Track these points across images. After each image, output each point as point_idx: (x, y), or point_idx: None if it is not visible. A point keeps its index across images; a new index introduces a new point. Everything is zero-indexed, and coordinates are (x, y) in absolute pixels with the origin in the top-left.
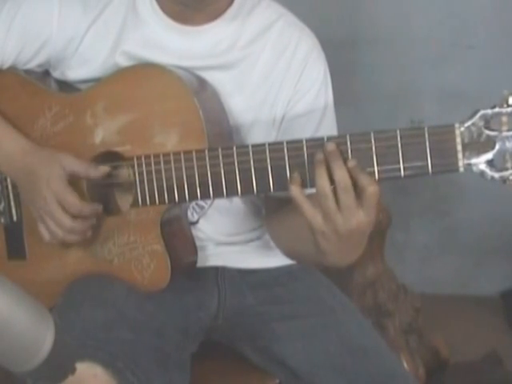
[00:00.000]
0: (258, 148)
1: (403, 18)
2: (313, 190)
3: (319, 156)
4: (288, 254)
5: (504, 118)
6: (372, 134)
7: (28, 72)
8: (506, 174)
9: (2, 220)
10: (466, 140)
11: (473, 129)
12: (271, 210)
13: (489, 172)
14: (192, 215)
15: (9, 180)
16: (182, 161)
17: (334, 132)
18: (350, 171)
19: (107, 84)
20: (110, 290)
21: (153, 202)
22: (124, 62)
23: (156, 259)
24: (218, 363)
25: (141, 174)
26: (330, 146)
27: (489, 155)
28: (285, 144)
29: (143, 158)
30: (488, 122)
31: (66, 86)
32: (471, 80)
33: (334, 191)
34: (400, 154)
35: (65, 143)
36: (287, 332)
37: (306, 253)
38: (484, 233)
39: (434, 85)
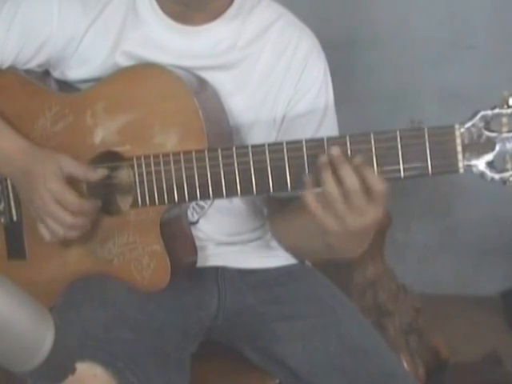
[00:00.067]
0: (258, 149)
1: (403, 18)
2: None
3: (323, 159)
4: (292, 251)
5: (504, 119)
6: (372, 135)
7: (28, 72)
8: (506, 175)
9: (2, 220)
10: (466, 141)
11: (473, 130)
12: (274, 208)
13: (489, 173)
14: (192, 215)
15: (9, 180)
16: (182, 161)
17: (335, 131)
18: (356, 170)
19: (107, 84)
20: (110, 290)
21: (152, 202)
22: (124, 61)
23: (156, 259)
24: (218, 363)
25: (140, 174)
26: (335, 151)
27: (489, 156)
28: (284, 145)
29: (143, 159)
30: (488, 123)
31: (65, 85)
32: (471, 80)
33: (343, 193)
34: (400, 154)
35: (65, 143)
36: (287, 332)
37: (312, 249)
38: (484, 233)
39: (433, 85)
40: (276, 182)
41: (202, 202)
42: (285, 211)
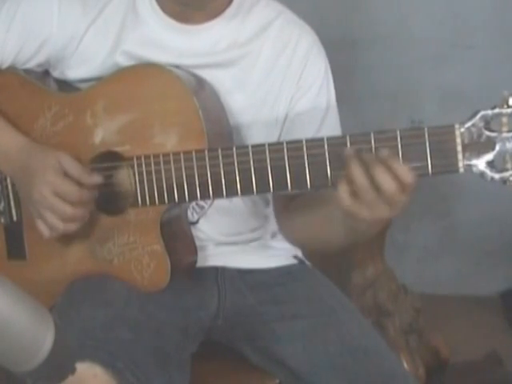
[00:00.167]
0: (258, 148)
1: (403, 18)
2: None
3: (349, 152)
4: (306, 244)
5: (504, 119)
6: (372, 135)
7: (28, 71)
8: (506, 174)
9: (2, 220)
10: (466, 141)
11: (473, 129)
12: (282, 204)
13: (489, 173)
14: (192, 215)
15: (9, 180)
16: (182, 161)
17: (337, 129)
18: (385, 164)
19: (107, 84)
20: (109, 290)
21: (152, 202)
22: (124, 61)
23: (156, 259)
24: (218, 363)
25: (140, 174)
26: (383, 153)
27: (489, 156)
28: (285, 144)
29: (143, 158)
30: (488, 122)
31: (65, 85)
32: (471, 80)
33: (371, 182)
34: (400, 154)
35: (64, 143)
36: (287, 332)
37: (330, 238)
38: (484, 233)
39: (433, 85)
40: (276, 181)
41: (201, 202)
42: (299, 205)
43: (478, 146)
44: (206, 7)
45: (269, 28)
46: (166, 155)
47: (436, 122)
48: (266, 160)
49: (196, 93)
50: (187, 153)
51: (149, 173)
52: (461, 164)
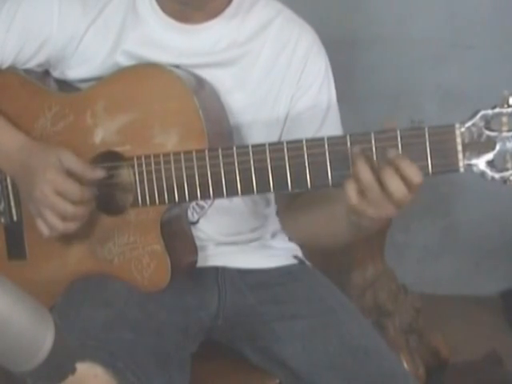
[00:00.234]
0: (258, 148)
1: (403, 18)
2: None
3: (356, 150)
4: (309, 241)
5: (504, 119)
6: (372, 134)
7: (28, 72)
8: (506, 174)
9: (2, 220)
10: (467, 140)
11: (473, 129)
12: (286, 202)
13: (489, 172)
14: (192, 215)
15: (9, 180)
16: (182, 161)
17: (338, 128)
18: (393, 163)
19: (107, 84)
20: (110, 290)
21: (153, 202)
22: (124, 61)
23: (156, 259)
24: (218, 363)
25: (141, 173)
26: (392, 153)
27: (489, 156)
28: (285, 144)
29: (143, 158)
30: (488, 122)
31: (65, 85)
32: (471, 80)
33: (378, 181)
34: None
35: (65, 143)
36: (287, 332)
37: (334, 234)
38: (484, 233)
39: (433, 85)
40: (276, 181)
41: (202, 202)
42: (303, 203)
43: (478, 146)
44: (206, 7)
45: (269, 27)
46: (166, 155)
47: (436, 122)
48: (266, 160)
49: (196, 93)
50: (187, 153)
51: (149, 173)
52: (461, 164)
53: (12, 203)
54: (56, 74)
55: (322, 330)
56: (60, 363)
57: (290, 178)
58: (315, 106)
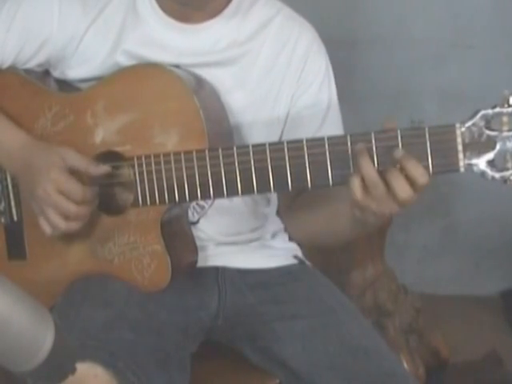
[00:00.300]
0: (259, 148)
1: (403, 18)
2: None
3: (360, 146)
4: (313, 239)
5: (505, 118)
6: (373, 134)
7: (28, 72)
8: (506, 174)
9: (3, 220)
10: (467, 140)
11: (473, 129)
12: (289, 200)
13: (489, 172)
14: (192, 215)
15: (9, 179)
16: (183, 161)
17: (339, 127)
18: (399, 164)
19: (107, 84)
20: (110, 290)
21: (153, 201)
22: (125, 61)
23: (156, 259)
24: (218, 363)
25: (141, 173)
26: (398, 154)
27: (489, 155)
28: (285, 144)
29: (143, 158)
30: (489, 122)
31: (65, 85)
32: (471, 80)
33: (382, 177)
34: None
35: (65, 143)
36: (287, 332)
37: (338, 233)
38: (484, 233)
39: (433, 85)
40: (277, 181)
41: (202, 202)
42: (306, 201)
43: (478, 146)
44: (206, 7)
45: (268, 26)
46: (166, 155)
47: (436, 122)
48: (266, 160)
49: (197, 92)
50: (188, 153)
51: (149, 173)
52: (461, 163)
53: (12, 203)
54: (56, 73)
55: (322, 330)
56: (60, 363)
57: (290, 177)
58: (316, 104)
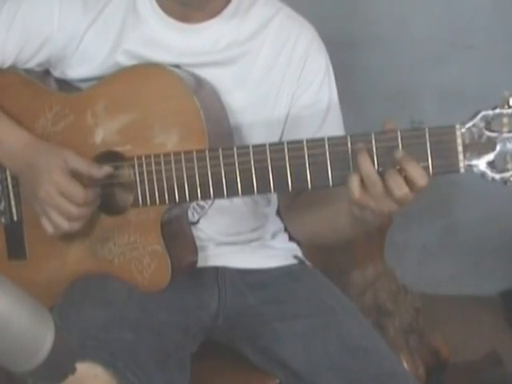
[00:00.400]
0: (259, 148)
1: (403, 18)
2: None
3: (360, 144)
4: (314, 238)
5: (505, 119)
6: (373, 135)
7: (28, 71)
8: (506, 175)
9: (3, 220)
10: (467, 141)
11: (474, 130)
12: (289, 200)
13: (489, 173)
14: (192, 215)
15: (9, 179)
16: (183, 161)
17: (340, 127)
18: (399, 164)
19: (108, 84)
20: (110, 290)
21: (153, 202)
22: (125, 60)
23: (156, 259)
24: (218, 363)
25: (141, 173)
26: (398, 154)
27: (490, 156)
28: (285, 144)
29: (144, 158)
30: (489, 123)
31: (66, 85)
32: (471, 80)
33: (381, 176)
34: None
35: (65, 143)
36: (287, 332)
37: (338, 231)
38: (484, 233)
39: (433, 85)
40: (277, 181)
41: (202, 202)
42: (307, 200)
43: (478, 147)
44: (206, 7)
45: (268, 25)
46: (166, 155)
47: (436, 122)
48: (266, 160)
49: (197, 93)
50: (188, 153)
51: (149, 173)
52: (461, 164)
53: (12, 203)
54: (56, 73)
55: (322, 330)
56: (60, 363)
57: (290, 178)
58: (316, 103)
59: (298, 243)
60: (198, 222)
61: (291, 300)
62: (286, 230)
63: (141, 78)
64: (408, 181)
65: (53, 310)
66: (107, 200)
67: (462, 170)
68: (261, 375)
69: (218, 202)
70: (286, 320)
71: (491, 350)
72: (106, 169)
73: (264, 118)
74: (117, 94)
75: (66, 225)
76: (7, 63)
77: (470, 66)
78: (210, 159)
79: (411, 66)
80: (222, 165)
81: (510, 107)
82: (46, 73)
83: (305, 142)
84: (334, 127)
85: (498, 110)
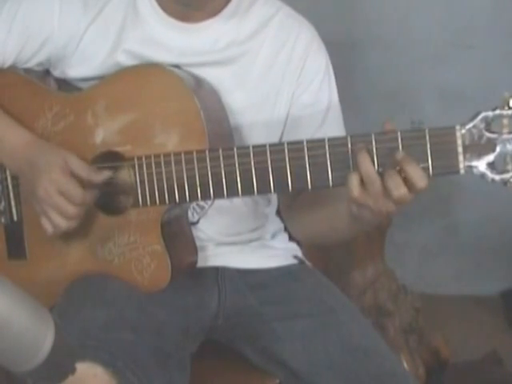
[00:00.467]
0: (259, 149)
1: (403, 18)
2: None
3: (360, 144)
4: (314, 238)
5: (505, 121)
6: (373, 136)
7: (28, 71)
8: (506, 176)
9: (3, 220)
10: (467, 142)
11: (474, 131)
12: (290, 200)
13: (489, 174)
14: (192, 215)
15: (9, 179)
16: (183, 161)
17: (340, 127)
18: (399, 165)
19: (108, 84)
20: (110, 290)
21: (153, 202)
22: (125, 60)
23: (156, 259)
24: (218, 363)
25: (141, 174)
26: (398, 155)
27: (489, 157)
28: (285, 145)
29: (144, 159)
30: (489, 124)
31: (66, 85)
32: (471, 80)
33: (380, 176)
34: None
35: (65, 143)
36: (287, 332)
37: (337, 231)
38: (484, 233)
39: (433, 85)
40: (277, 182)
41: (202, 203)
42: (307, 200)
43: (478, 148)
44: (206, 6)
45: (268, 25)
46: (166, 155)
47: (436, 122)
48: (266, 161)
49: (197, 93)
50: (188, 153)
51: (149, 173)
52: (461, 165)
53: (12, 203)
54: (56, 73)
55: (322, 330)
56: (60, 363)
57: (290, 178)
58: (316, 103)
59: (298, 243)
60: (197, 222)
61: (291, 300)
62: (285, 229)
63: (141, 78)
64: (407, 182)
65: (53, 310)
66: (107, 200)
67: (462, 171)
68: (261, 375)
69: (218, 202)
70: (285, 320)
71: (491, 350)
72: (105, 173)
73: (264, 118)
74: (117, 94)
75: (64, 224)
76: (7, 63)
77: (470, 66)
78: (210, 159)
79: (411, 65)
80: (222, 165)
81: (510, 108)
82: (46, 73)
83: (305, 143)
84: (335, 127)
85: (498, 111)
